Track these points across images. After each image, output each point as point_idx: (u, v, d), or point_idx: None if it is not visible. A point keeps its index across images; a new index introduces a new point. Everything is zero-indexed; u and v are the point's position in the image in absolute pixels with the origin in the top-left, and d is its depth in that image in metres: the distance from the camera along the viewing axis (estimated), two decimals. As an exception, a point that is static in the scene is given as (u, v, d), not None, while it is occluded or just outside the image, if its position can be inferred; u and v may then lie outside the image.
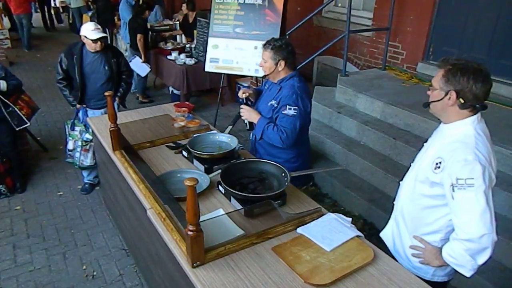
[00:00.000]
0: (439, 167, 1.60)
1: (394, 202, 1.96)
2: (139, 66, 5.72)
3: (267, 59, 2.40)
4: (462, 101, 1.56)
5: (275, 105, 2.42)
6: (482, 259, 1.55)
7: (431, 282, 1.76)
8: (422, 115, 3.46)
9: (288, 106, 2.34)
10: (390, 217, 1.99)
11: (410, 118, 3.61)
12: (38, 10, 11.46)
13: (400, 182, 1.92)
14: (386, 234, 2.00)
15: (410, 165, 1.87)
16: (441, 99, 1.60)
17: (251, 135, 2.71)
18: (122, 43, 7.06)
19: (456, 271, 1.67)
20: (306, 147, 2.69)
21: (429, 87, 1.67)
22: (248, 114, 2.52)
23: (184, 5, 6.22)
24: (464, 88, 1.53)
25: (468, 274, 1.60)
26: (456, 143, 1.58)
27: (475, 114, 1.60)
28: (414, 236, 1.80)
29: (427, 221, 1.73)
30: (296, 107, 2.34)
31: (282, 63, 2.39)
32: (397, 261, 1.86)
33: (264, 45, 2.42)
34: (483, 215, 1.50)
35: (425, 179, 1.68)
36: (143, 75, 5.88)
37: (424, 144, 1.85)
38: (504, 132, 3.07)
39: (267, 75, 2.48)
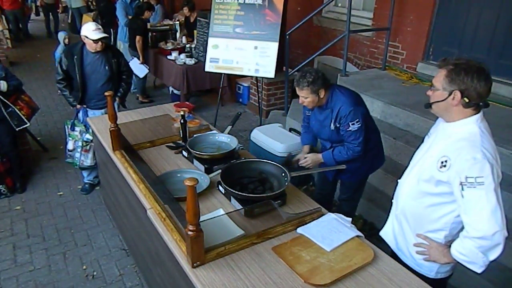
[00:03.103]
0: (445, 166, 1.60)
1: (392, 201, 1.96)
2: (137, 67, 5.71)
3: (307, 95, 2.38)
4: (467, 101, 1.56)
5: (338, 125, 2.45)
6: (494, 255, 1.56)
7: (434, 280, 1.77)
8: (422, 115, 3.46)
9: (351, 123, 2.39)
10: (388, 215, 1.99)
11: (410, 118, 3.61)
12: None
13: (399, 181, 1.91)
14: (386, 233, 1.99)
15: (409, 164, 1.87)
16: (445, 99, 1.59)
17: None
18: (121, 43, 7.05)
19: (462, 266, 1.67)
20: (375, 136, 2.68)
21: (430, 87, 1.67)
22: (312, 161, 2.63)
23: (186, 8, 6.20)
24: (468, 87, 1.53)
25: (479, 271, 1.60)
26: (462, 142, 1.58)
27: (478, 112, 1.60)
28: (417, 234, 1.80)
29: (431, 218, 1.73)
30: (358, 119, 2.39)
31: (322, 91, 2.38)
32: (399, 259, 1.87)
33: (298, 86, 2.37)
34: (495, 213, 1.51)
35: (430, 178, 1.67)
36: (141, 76, 5.87)
37: (424, 141, 1.85)
38: (504, 132, 3.07)
39: (313, 107, 2.48)
